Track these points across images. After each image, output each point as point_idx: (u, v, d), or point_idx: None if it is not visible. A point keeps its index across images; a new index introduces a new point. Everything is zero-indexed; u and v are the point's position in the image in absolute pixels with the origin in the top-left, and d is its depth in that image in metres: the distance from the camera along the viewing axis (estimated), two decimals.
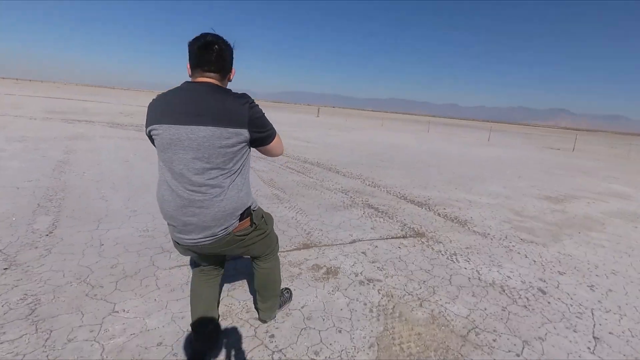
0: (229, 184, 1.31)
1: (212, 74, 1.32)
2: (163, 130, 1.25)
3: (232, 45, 1.38)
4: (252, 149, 1.44)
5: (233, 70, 1.42)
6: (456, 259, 3.24)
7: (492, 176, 8.13)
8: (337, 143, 12.42)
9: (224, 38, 1.35)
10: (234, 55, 1.41)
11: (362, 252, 3.22)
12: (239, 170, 1.35)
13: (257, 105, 1.35)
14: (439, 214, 4.66)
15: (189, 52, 1.30)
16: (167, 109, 1.27)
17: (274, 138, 1.44)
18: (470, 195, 6.00)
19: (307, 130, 16.93)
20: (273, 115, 31.72)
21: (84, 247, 2.88)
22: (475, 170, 8.75)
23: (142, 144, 8.31)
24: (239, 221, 1.40)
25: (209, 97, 1.25)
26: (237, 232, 1.42)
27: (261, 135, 1.36)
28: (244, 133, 1.27)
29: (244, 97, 1.30)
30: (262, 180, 5.78)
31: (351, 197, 5.18)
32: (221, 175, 1.29)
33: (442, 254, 3.32)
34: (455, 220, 4.44)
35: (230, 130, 1.24)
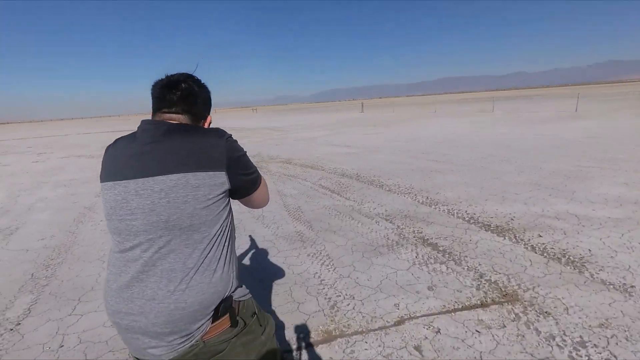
0: (197, 262, 0.91)
1: (176, 116, 1.02)
2: (106, 191, 0.96)
3: (207, 89, 1.10)
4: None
5: (209, 118, 1.13)
6: (587, 354, 1.87)
7: (600, 168, 6.08)
8: (382, 144, 11.04)
9: (200, 80, 1.08)
10: (211, 101, 1.13)
11: (416, 347, 2.02)
12: (215, 239, 0.94)
13: (236, 140, 1.01)
14: (533, 248, 3.20)
15: (151, 96, 1.04)
16: (111, 161, 0.98)
17: (259, 184, 1.08)
18: (575, 205, 4.31)
19: (347, 133, 15.72)
20: (310, 118, 31.12)
21: (39, 351, 2.23)
22: (571, 161, 6.74)
23: None
24: (212, 321, 0.95)
25: (170, 134, 0.94)
26: (209, 339, 0.95)
27: (246, 179, 1.01)
28: (221, 178, 0.92)
29: (219, 130, 0.99)
30: (286, 209, 4.81)
31: (398, 227, 3.93)
32: (185, 246, 0.89)
33: (557, 344, 1.96)
34: (563, 260, 2.96)
35: (201, 174, 0.89)
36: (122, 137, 1.03)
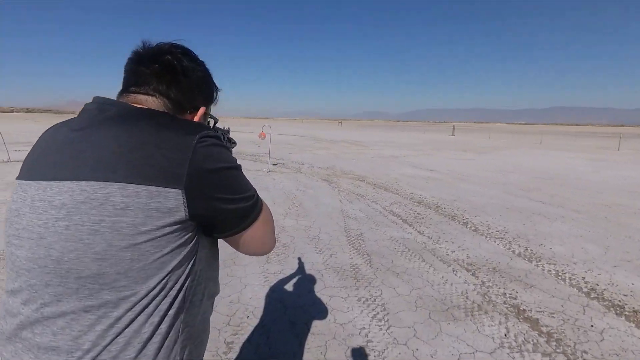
0: (98, 343, 0.56)
1: (145, 99, 0.70)
2: (13, 195, 0.65)
3: (203, 67, 0.77)
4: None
5: (201, 111, 0.77)
6: None
7: None
8: (472, 172, 9.71)
9: (193, 52, 0.76)
10: (210, 86, 0.80)
11: None
12: (145, 306, 0.59)
13: (224, 145, 0.67)
14: None
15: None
16: (31, 152, 0.68)
17: (255, 219, 0.69)
18: None
19: (432, 155, 14.46)
20: (394, 136, 29.96)
21: None
22: None
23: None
24: None
25: (113, 121, 0.63)
26: None
27: (225, 208, 0.64)
28: (172, 200, 0.57)
29: (195, 125, 0.65)
30: (346, 234, 4.27)
31: (483, 284, 3.06)
32: (84, 310, 0.56)
33: None
34: None
35: (134, 189, 0.55)
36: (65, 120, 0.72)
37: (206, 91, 0.79)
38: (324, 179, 8.05)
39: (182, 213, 0.58)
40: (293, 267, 3.36)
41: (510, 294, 2.89)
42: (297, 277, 3.13)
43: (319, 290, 2.90)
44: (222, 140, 0.69)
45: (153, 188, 0.56)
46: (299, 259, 3.52)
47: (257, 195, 0.72)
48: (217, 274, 0.78)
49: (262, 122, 64.43)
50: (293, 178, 8.00)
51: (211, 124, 0.88)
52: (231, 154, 0.71)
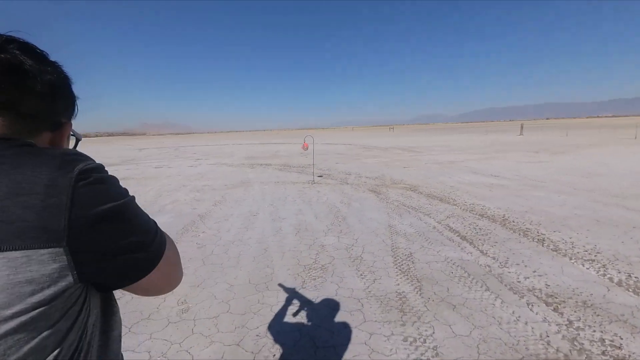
0: None
1: None
2: None
3: (57, 68, 0.59)
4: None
5: (66, 128, 0.64)
6: None
7: None
8: (547, 177, 8.52)
9: (38, 48, 0.57)
10: (69, 93, 0.63)
11: None
12: None
13: (109, 176, 0.56)
14: None
15: None
16: None
17: (157, 261, 0.59)
18: None
19: (496, 158, 13.15)
20: (452, 139, 28.10)
21: None
22: None
23: (289, 189, 8.04)
24: None
25: None
26: None
27: (122, 260, 0.53)
28: (56, 260, 0.46)
29: (69, 155, 0.52)
30: (393, 253, 3.84)
31: (570, 323, 2.44)
32: None
33: None
34: None
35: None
36: None
37: (66, 99, 0.63)
38: (372, 189, 7.63)
39: (69, 278, 0.47)
40: (330, 293, 3.04)
41: (611, 341, 2.24)
42: (333, 308, 2.81)
43: (357, 325, 2.54)
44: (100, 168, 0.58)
45: (16, 254, 0.43)
46: (337, 284, 3.19)
47: (158, 229, 0.61)
48: (116, 318, 0.64)
49: (313, 134, 65.56)
50: (338, 190, 7.71)
51: (71, 144, 0.73)
52: (117, 181, 0.57)
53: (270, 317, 2.72)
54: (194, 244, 4.49)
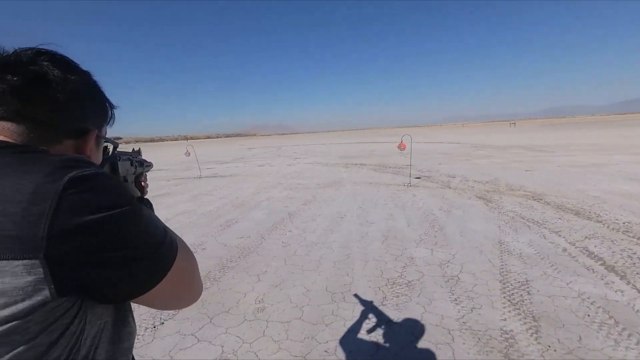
0: None
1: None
2: None
3: (86, 76, 0.63)
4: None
5: (93, 133, 0.64)
6: None
7: None
8: None
9: (67, 58, 0.61)
10: (100, 102, 0.67)
11: None
12: None
13: (113, 182, 0.53)
14: None
15: None
16: None
17: (164, 273, 0.56)
18: None
19: None
20: (598, 135, 22.48)
21: None
22: None
23: (380, 191, 7.67)
24: None
25: None
26: None
27: (114, 275, 0.51)
28: (31, 273, 0.44)
29: (63, 164, 0.50)
30: (501, 279, 3.16)
31: None
32: None
33: None
34: None
35: None
36: None
37: (93, 108, 0.65)
38: (480, 196, 6.65)
39: (45, 292, 0.44)
40: (414, 316, 2.63)
41: None
42: (415, 335, 2.40)
43: None
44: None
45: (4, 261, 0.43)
46: (424, 307, 2.74)
47: (165, 241, 0.56)
48: (128, 330, 0.61)
49: (416, 132, 62.74)
50: (438, 194, 6.97)
51: (110, 151, 0.77)
52: (118, 189, 0.52)
53: (342, 332, 2.49)
54: (279, 242, 4.56)
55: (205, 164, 16.80)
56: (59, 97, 0.56)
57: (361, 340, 2.39)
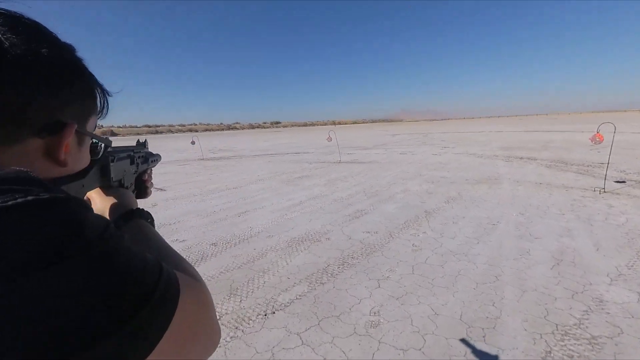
0: None
1: None
2: None
3: (63, 47, 0.47)
4: None
5: (70, 128, 0.46)
6: None
7: None
8: None
9: (31, 20, 0.45)
10: (84, 83, 0.49)
11: None
12: None
13: (71, 208, 0.35)
14: None
15: None
16: None
17: (160, 333, 0.37)
18: None
19: None
20: None
21: None
22: None
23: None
24: None
25: None
26: None
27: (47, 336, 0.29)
28: None
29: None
30: None
31: None
32: None
33: None
34: None
35: None
36: None
37: (73, 94, 0.47)
38: None
39: None
40: None
41: None
42: None
43: None
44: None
45: None
46: None
47: (162, 282, 0.38)
48: None
49: (618, 117, 49.44)
50: None
51: (100, 150, 0.60)
52: (90, 219, 0.36)
53: None
54: (409, 244, 4.07)
55: (345, 149, 17.30)
56: (17, 76, 0.41)
57: None
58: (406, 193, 6.83)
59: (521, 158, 11.41)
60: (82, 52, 0.49)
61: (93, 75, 0.52)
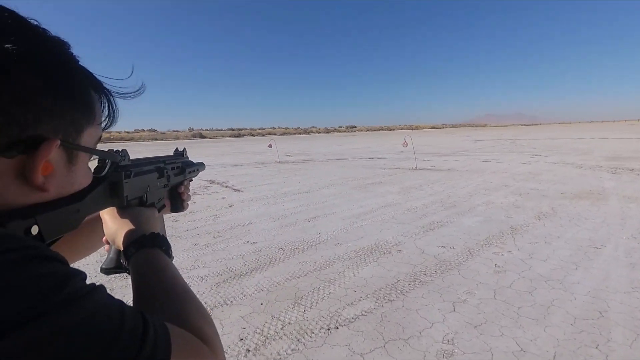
0: None
1: None
2: None
3: (50, 40, 0.40)
4: None
5: (49, 145, 0.38)
6: None
7: None
8: None
9: (19, 17, 0.37)
10: (75, 85, 0.41)
11: None
12: None
13: (40, 255, 0.30)
14: None
15: None
16: None
17: None
18: None
19: None
20: None
21: None
22: None
23: None
24: None
25: None
26: None
27: None
28: None
29: None
30: None
31: None
32: None
33: None
34: None
35: None
36: None
37: (54, 99, 0.38)
38: None
39: None
40: None
41: None
42: None
43: None
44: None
45: None
46: None
47: (145, 343, 0.32)
48: None
49: None
50: None
51: (106, 167, 0.53)
52: (61, 266, 0.32)
53: None
54: (491, 265, 3.68)
55: (422, 156, 16.57)
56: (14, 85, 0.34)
57: None
58: (489, 205, 6.24)
59: (632, 170, 9.69)
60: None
61: (92, 76, 0.44)
